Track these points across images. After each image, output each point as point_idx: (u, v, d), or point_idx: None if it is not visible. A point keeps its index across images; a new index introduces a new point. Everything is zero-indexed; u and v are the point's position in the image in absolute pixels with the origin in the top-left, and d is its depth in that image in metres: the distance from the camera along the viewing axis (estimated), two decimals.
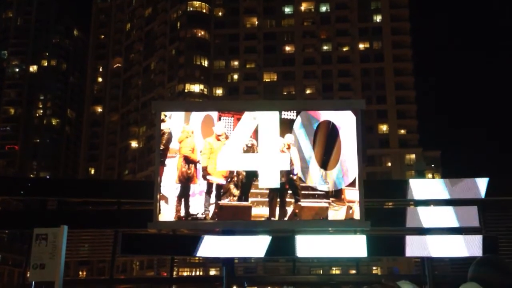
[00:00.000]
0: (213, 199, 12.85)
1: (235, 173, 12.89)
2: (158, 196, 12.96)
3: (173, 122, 13.23)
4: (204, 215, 12.72)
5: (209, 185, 12.85)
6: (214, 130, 13.06)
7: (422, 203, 15.70)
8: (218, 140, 12.94)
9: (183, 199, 12.74)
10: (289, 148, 12.84)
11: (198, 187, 12.81)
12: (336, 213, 12.49)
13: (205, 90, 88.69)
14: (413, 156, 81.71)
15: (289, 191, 12.65)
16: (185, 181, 12.81)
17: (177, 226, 14.05)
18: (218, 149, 12.81)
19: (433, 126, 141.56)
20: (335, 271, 44.53)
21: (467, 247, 14.40)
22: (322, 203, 12.58)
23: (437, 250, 14.61)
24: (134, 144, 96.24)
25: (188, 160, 12.84)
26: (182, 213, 12.71)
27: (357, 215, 12.53)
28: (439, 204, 15.85)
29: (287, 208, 12.66)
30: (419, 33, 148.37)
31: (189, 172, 12.81)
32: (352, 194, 12.53)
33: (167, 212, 12.81)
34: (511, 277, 3.20)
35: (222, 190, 12.87)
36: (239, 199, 12.79)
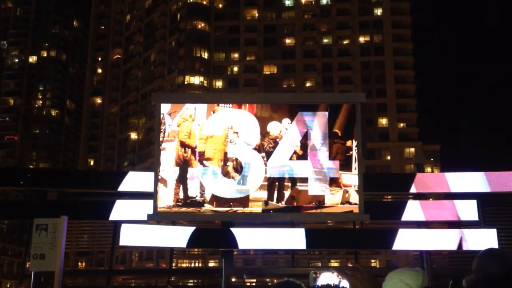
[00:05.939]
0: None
1: (233, 158, 12.79)
2: (158, 187, 12.94)
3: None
4: (202, 198, 12.68)
5: (206, 169, 12.77)
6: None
7: (421, 197, 15.75)
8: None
9: (181, 182, 12.67)
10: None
11: (196, 171, 12.74)
12: (333, 197, 12.51)
13: (205, 82, 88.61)
14: (412, 149, 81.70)
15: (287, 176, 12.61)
16: (183, 165, 12.75)
17: (176, 217, 14.07)
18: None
19: (433, 120, 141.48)
20: (334, 263, 44.64)
21: (466, 240, 14.48)
22: (319, 187, 12.60)
23: (435, 243, 14.70)
24: (133, 135, 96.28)
25: (184, 145, 12.77)
26: (181, 195, 12.69)
27: (353, 199, 12.51)
28: (438, 198, 15.92)
29: (284, 191, 12.65)
30: (420, 27, 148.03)
31: (185, 155, 12.74)
32: (348, 179, 12.54)
33: (166, 195, 12.77)
34: None
35: (221, 173, 12.78)
36: (238, 183, 12.73)
